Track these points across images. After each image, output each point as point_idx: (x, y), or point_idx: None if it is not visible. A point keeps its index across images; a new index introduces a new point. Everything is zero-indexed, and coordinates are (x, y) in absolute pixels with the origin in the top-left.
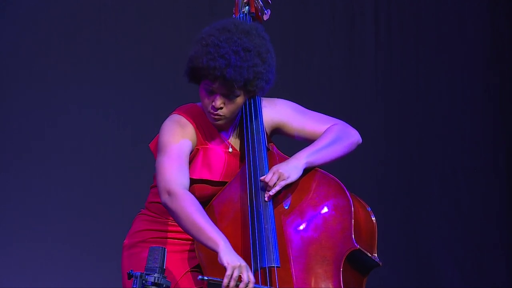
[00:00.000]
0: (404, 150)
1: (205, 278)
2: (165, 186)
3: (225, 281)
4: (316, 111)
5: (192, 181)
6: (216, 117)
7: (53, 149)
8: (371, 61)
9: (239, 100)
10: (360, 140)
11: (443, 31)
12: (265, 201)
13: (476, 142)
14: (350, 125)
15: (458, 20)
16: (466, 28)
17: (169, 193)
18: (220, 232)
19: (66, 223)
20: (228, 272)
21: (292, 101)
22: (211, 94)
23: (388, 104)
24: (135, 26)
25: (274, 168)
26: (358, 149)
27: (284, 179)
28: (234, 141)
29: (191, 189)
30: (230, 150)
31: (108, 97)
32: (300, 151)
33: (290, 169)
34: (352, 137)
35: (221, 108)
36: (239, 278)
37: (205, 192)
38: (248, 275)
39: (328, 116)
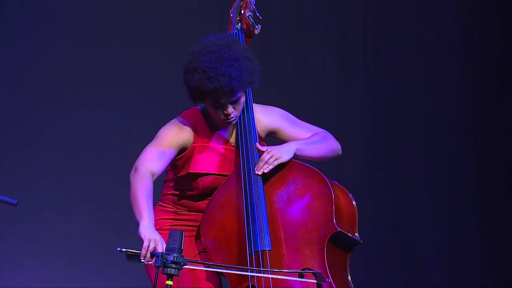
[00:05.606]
0: (391, 150)
1: (123, 250)
2: (137, 163)
3: (143, 251)
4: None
5: (197, 175)
6: (230, 121)
7: (70, 146)
8: (360, 66)
9: (243, 99)
10: (340, 151)
11: (424, 44)
12: (256, 177)
13: (453, 142)
14: (337, 136)
15: (435, 33)
16: (441, 41)
17: (136, 169)
18: (151, 212)
19: (88, 214)
20: (145, 244)
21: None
22: (220, 107)
23: (376, 107)
24: (155, 31)
25: (269, 148)
26: (351, 149)
27: (277, 159)
28: (233, 136)
29: (196, 183)
30: (233, 143)
31: (130, 100)
32: (291, 141)
33: (283, 151)
34: (334, 143)
35: (232, 112)
36: (155, 250)
37: (207, 183)
38: (162, 247)
39: (317, 127)
